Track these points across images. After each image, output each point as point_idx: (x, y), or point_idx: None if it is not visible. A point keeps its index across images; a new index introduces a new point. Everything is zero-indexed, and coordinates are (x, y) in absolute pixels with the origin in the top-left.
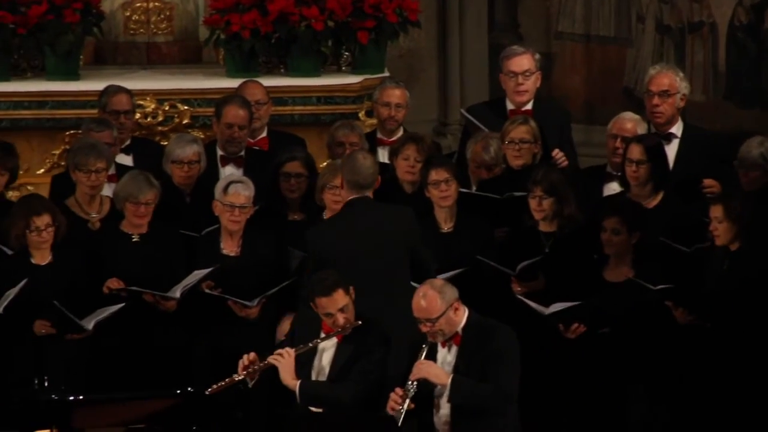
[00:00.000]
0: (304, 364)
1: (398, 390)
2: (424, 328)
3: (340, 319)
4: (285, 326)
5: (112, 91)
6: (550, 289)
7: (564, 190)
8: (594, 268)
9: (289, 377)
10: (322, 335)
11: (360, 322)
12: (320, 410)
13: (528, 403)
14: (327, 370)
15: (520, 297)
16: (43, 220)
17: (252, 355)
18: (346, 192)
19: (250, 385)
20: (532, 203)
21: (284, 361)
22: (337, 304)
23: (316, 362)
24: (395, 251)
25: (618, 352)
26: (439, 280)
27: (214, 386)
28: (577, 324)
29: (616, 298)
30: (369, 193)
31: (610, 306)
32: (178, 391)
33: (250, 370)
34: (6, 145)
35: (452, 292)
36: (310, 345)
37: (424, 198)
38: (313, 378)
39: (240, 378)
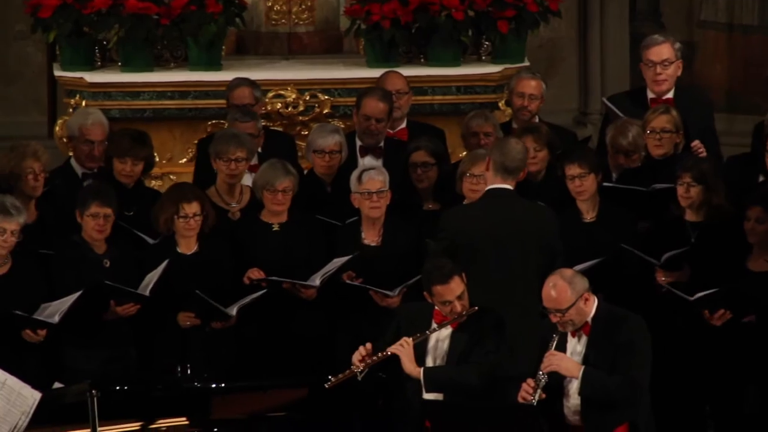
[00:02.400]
0: (417, 356)
1: (529, 381)
2: (554, 318)
3: (458, 306)
4: None
5: (234, 84)
6: (695, 279)
7: (714, 180)
8: (739, 258)
9: (411, 365)
10: (434, 325)
11: (477, 308)
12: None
13: (665, 394)
14: (445, 358)
15: (666, 286)
16: (192, 208)
17: (368, 345)
18: (492, 175)
19: (359, 378)
20: (680, 190)
21: (405, 350)
22: (455, 292)
23: (431, 352)
24: (530, 245)
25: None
26: (569, 270)
27: (333, 380)
28: (723, 310)
29: (760, 287)
30: (512, 182)
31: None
32: (317, 379)
33: (368, 361)
34: (138, 134)
35: (582, 283)
36: (427, 333)
37: (556, 186)
38: None
39: (359, 370)
